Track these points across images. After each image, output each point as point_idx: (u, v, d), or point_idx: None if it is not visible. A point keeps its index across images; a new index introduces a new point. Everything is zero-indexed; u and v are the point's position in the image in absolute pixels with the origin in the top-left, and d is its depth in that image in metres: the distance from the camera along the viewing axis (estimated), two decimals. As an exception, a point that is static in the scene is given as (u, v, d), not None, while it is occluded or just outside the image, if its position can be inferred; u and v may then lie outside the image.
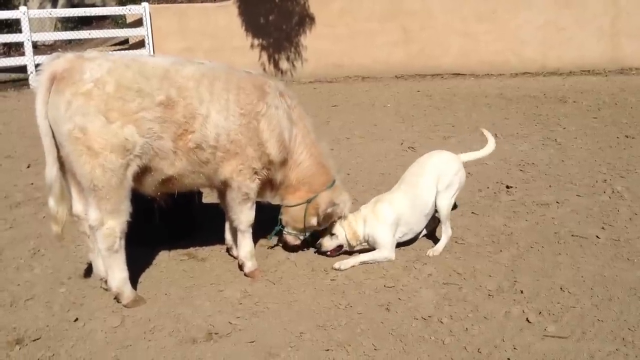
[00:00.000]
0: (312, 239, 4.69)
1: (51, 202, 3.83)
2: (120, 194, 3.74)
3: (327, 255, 4.59)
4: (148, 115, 3.71)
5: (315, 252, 4.67)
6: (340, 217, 4.57)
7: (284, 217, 4.59)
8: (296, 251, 4.68)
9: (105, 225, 3.77)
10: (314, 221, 4.51)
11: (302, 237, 4.63)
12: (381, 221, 4.51)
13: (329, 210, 4.46)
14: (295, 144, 4.39)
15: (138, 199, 3.95)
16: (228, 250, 4.73)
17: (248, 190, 4.20)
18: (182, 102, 3.82)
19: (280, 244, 4.79)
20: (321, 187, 4.49)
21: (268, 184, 4.44)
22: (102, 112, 3.60)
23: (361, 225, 4.55)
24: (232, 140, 4.02)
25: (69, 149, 3.64)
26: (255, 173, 4.19)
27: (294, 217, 4.53)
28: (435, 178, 4.61)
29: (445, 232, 4.65)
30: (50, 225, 3.96)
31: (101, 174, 3.64)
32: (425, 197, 4.61)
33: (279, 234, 4.69)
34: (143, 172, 3.85)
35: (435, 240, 4.74)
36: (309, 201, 4.46)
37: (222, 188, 4.28)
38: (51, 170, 3.73)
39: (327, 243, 4.56)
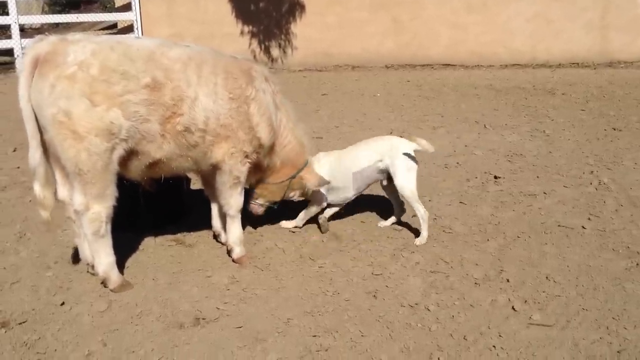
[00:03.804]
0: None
1: (36, 187, 3.77)
2: (106, 178, 3.69)
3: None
4: (134, 98, 3.65)
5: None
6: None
7: (260, 191, 4.70)
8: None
9: (91, 210, 3.72)
10: (293, 194, 4.76)
11: (265, 208, 4.78)
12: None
13: (317, 186, 4.69)
14: (280, 128, 4.46)
15: (124, 184, 3.92)
16: (215, 237, 4.72)
17: (239, 173, 4.21)
18: (170, 84, 3.77)
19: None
20: (301, 165, 4.66)
21: (254, 169, 4.45)
22: (86, 96, 3.54)
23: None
24: (222, 125, 4.00)
25: (53, 132, 3.58)
26: (246, 156, 4.20)
27: (274, 192, 4.69)
28: (378, 154, 4.68)
29: (420, 216, 4.64)
30: (38, 211, 3.89)
31: (86, 158, 3.59)
32: (361, 165, 4.71)
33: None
34: (129, 155, 3.80)
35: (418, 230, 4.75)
36: (292, 177, 4.64)
37: (210, 173, 4.27)
38: (35, 154, 3.67)
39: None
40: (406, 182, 4.61)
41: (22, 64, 3.59)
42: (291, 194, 4.76)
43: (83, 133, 3.55)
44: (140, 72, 3.68)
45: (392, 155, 4.64)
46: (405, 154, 4.63)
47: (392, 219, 4.96)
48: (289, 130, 4.53)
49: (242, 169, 4.23)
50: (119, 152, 3.70)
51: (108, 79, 3.59)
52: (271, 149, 4.42)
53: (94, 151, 3.59)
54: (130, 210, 4.49)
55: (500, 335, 3.42)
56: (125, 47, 3.75)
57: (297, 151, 4.62)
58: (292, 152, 4.58)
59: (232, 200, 4.29)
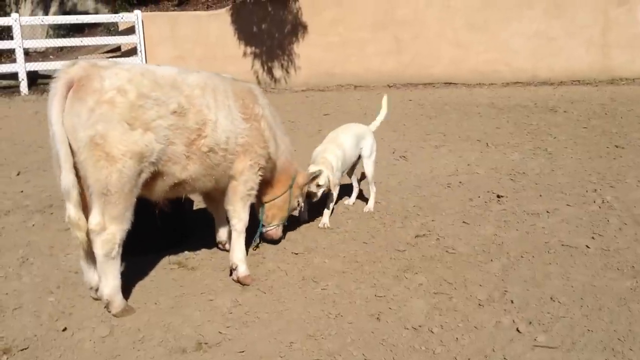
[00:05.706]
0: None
1: (71, 209, 3.73)
2: (128, 201, 3.79)
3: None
4: (164, 123, 3.83)
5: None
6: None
7: (269, 213, 4.91)
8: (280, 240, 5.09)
9: (107, 231, 3.77)
10: (298, 201, 5.09)
11: (282, 226, 5.03)
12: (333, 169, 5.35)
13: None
14: (277, 140, 4.73)
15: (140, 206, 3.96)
16: (219, 245, 4.91)
17: (254, 184, 4.48)
18: (193, 109, 3.99)
19: (260, 242, 4.98)
20: (294, 172, 4.99)
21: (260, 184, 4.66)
22: (125, 120, 3.66)
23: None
24: (240, 143, 4.28)
25: (87, 155, 3.64)
26: (260, 168, 4.49)
27: (280, 206, 4.93)
28: (355, 139, 5.76)
29: (373, 192, 5.81)
30: (73, 233, 3.81)
31: (117, 180, 3.67)
32: (349, 151, 5.64)
33: (261, 235, 4.98)
34: (155, 177, 3.93)
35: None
36: (290, 186, 4.91)
37: (223, 188, 4.44)
38: (69, 176, 3.66)
39: (318, 192, 5.26)
40: (371, 163, 5.81)
41: (55, 87, 3.65)
42: (295, 202, 5.05)
43: (118, 155, 3.65)
44: (169, 98, 3.88)
45: (365, 139, 5.81)
46: (370, 139, 5.83)
47: (353, 197, 6.06)
48: (282, 142, 4.80)
49: (256, 180, 4.49)
50: (146, 175, 3.84)
51: (144, 104, 3.74)
52: (274, 161, 4.70)
53: (126, 173, 3.69)
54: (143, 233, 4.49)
55: (505, 358, 3.39)
56: (152, 73, 3.92)
57: (289, 160, 4.91)
58: (286, 161, 4.87)
59: (243, 213, 4.47)
